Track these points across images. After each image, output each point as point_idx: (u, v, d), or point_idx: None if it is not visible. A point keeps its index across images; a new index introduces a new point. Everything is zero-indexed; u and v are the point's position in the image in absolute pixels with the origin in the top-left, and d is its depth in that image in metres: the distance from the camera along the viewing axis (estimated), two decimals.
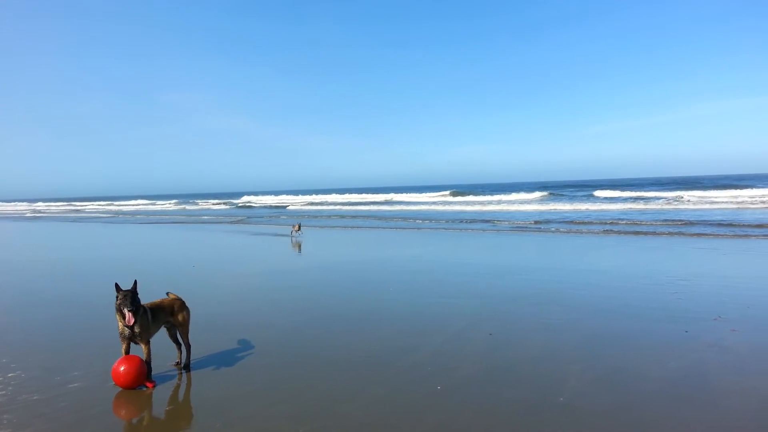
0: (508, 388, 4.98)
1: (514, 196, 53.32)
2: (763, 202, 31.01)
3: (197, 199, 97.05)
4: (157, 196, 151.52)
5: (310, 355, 6.10)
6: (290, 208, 55.78)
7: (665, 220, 23.31)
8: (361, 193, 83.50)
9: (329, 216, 37.67)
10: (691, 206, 31.86)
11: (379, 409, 4.58)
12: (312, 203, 63.09)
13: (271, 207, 60.51)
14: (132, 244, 21.81)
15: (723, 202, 33.43)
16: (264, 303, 9.04)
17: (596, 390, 4.90)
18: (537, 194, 54.45)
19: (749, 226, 19.93)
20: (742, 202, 31.92)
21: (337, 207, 52.34)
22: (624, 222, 23.34)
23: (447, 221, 28.55)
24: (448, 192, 70.76)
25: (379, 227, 26.72)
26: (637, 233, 19.26)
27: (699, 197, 38.47)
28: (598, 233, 19.83)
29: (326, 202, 63.35)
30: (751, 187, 46.17)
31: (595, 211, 32.21)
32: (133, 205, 77.51)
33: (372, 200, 61.99)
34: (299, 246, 18.22)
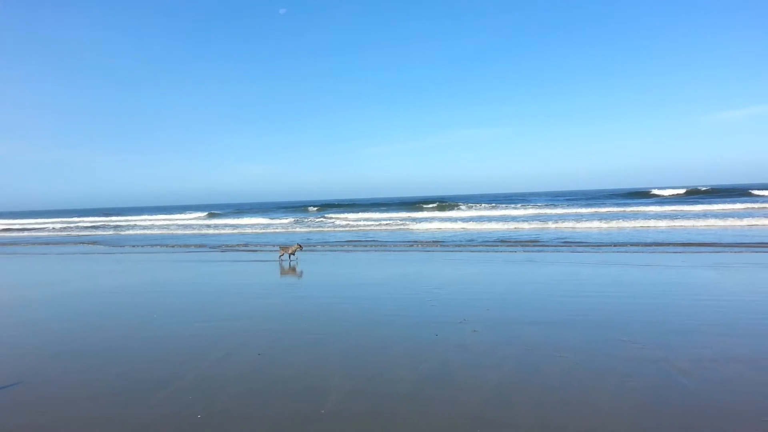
0: (272, 407, 4.96)
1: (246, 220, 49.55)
2: (503, 221, 36.19)
3: None
4: None
5: (50, 396, 5.35)
6: None
7: (415, 241, 25.68)
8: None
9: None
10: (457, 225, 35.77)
11: None
12: None
13: None
14: None
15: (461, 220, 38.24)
16: None
17: (354, 398, 5.13)
18: (288, 219, 52.73)
19: (491, 243, 23.03)
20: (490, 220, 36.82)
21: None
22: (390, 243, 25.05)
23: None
24: (205, 213, 67.98)
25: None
26: (388, 250, 20.85)
27: (448, 216, 43.64)
28: (355, 251, 20.99)
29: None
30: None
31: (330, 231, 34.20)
32: None
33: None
34: (294, 271, 15.06)
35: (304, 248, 18.47)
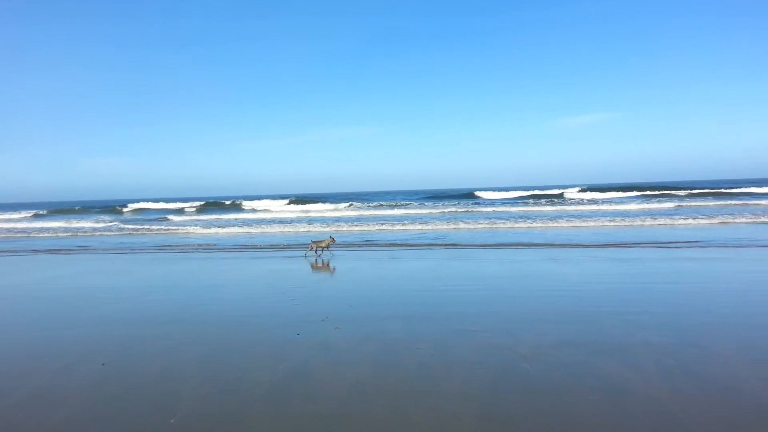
0: (114, 420, 4.65)
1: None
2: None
3: None
4: None
5: None
6: None
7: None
8: None
9: None
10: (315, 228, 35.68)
11: None
12: None
13: None
14: None
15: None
16: None
17: (209, 403, 4.97)
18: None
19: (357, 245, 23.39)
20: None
21: None
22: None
23: None
24: (31, 212, 59.56)
25: None
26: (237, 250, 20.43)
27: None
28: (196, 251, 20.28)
29: None
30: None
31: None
32: None
33: None
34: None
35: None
